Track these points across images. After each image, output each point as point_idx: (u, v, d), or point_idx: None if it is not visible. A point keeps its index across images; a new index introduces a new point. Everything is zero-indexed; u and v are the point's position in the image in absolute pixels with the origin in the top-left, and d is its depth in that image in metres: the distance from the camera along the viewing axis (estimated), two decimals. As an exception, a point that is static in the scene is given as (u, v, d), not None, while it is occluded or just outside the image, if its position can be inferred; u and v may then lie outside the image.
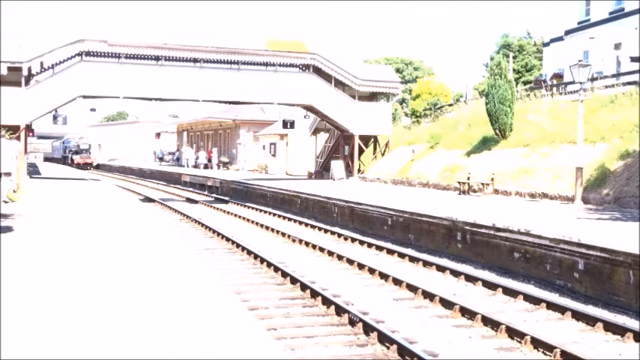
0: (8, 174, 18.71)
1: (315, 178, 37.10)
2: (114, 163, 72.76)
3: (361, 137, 34.08)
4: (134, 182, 47.70)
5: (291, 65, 32.33)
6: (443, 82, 52.11)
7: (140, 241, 12.03)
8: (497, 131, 25.77)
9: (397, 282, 12.18)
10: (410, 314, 10.27)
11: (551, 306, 10.56)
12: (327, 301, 10.40)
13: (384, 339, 8.50)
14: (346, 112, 33.24)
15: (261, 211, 26.50)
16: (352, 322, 9.33)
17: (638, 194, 17.43)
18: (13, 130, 26.01)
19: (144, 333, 6.05)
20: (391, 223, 18.72)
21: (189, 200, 32.14)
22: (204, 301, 7.44)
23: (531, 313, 10.45)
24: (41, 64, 28.12)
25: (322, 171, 38.09)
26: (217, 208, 27.45)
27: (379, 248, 16.63)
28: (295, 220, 22.81)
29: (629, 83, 24.60)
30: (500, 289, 11.77)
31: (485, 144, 26.57)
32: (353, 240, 18.05)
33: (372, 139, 35.45)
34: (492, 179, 22.98)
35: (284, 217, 24.01)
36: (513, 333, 8.94)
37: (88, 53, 29.20)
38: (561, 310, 10.29)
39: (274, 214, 24.91)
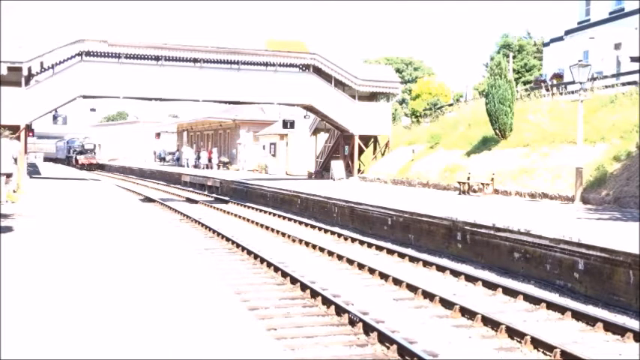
0: (9, 174, 18.70)
1: (315, 178, 37.11)
2: (114, 163, 72.58)
3: (361, 137, 34.08)
4: (134, 182, 47.70)
5: (291, 65, 32.33)
6: (443, 82, 52.08)
7: (140, 241, 12.03)
8: (497, 131, 25.77)
9: (397, 282, 12.18)
10: (410, 314, 10.27)
11: (551, 306, 10.56)
12: (327, 301, 10.40)
13: (384, 339, 8.50)
14: (346, 112, 33.23)
15: (261, 211, 26.50)
16: (352, 322, 9.33)
17: (638, 194, 17.43)
18: (13, 130, 26.00)
19: (144, 333, 6.05)
20: (391, 223, 18.72)
21: (189, 200, 32.14)
22: (205, 301, 7.44)
23: (531, 313, 10.45)
24: (41, 64, 28.12)
25: (322, 171, 38.09)
26: (217, 208, 27.45)
27: (379, 248, 16.63)
28: (295, 220, 22.81)
29: (629, 83, 24.59)
30: (500, 289, 11.77)
31: (485, 144, 26.57)
32: (353, 240, 18.05)
33: (372, 139, 35.45)
34: (492, 179, 22.98)
35: (284, 217, 24.01)
36: (513, 333, 8.93)
37: (88, 53, 29.20)
38: (561, 310, 10.28)
39: (274, 214, 24.91)
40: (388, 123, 34.58)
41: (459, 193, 23.72)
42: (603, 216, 15.76)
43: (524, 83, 44.66)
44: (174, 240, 12.77)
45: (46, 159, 75.04)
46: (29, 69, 27.84)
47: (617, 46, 31.92)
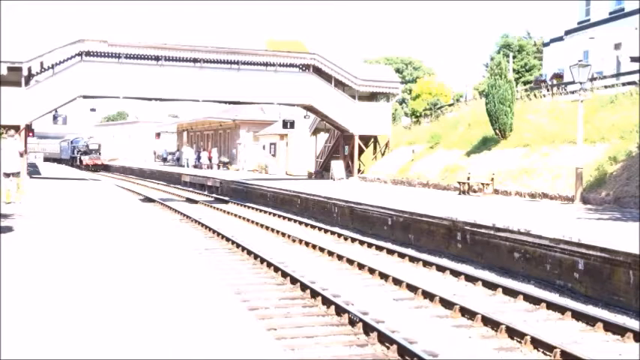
0: (10, 174, 18.69)
1: (315, 178, 37.11)
2: (114, 163, 72.40)
3: (361, 137, 34.08)
4: (134, 182, 47.71)
5: (291, 65, 32.33)
6: (443, 82, 52.08)
7: (140, 241, 12.03)
8: (497, 131, 25.77)
9: (397, 282, 12.18)
10: (410, 314, 10.27)
11: (551, 306, 10.56)
12: (327, 301, 10.40)
13: (384, 339, 8.50)
14: (346, 112, 33.23)
15: (261, 211, 26.50)
16: (352, 322, 9.33)
17: (638, 194, 17.43)
18: (14, 130, 25.98)
19: (144, 333, 6.05)
20: (391, 223, 18.72)
21: (189, 200, 32.14)
22: (205, 301, 7.44)
23: (531, 313, 10.45)
24: (41, 64, 28.12)
25: (322, 171, 38.09)
26: (217, 208, 27.45)
27: (379, 248, 16.63)
28: (295, 220, 22.81)
29: (629, 83, 24.58)
30: (500, 289, 11.77)
31: (486, 144, 26.57)
32: (353, 240, 18.05)
33: (372, 139, 35.45)
34: (492, 179, 22.98)
35: (284, 217, 24.01)
36: (513, 333, 8.94)
37: (88, 53, 29.20)
38: (561, 310, 10.29)
39: (274, 214, 24.91)
40: (388, 123, 34.58)
41: (459, 193, 23.72)
42: (603, 216, 15.76)
43: (524, 83, 44.67)
44: (174, 240, 12.77)
45: (50, 159, 72.81)
46: (29, 69, 27.84)
47: (617, 46, 31.92)
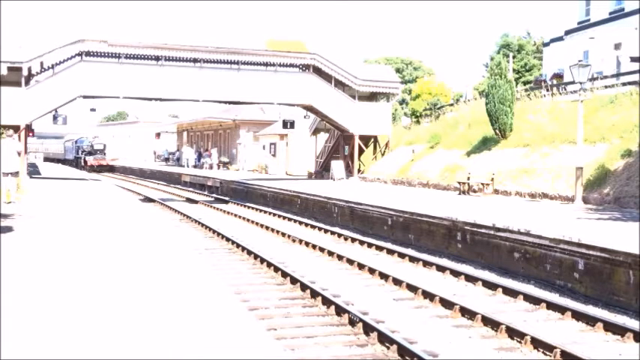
0: (12, 174, 18.70)
1: (315, 178, 37.10)
2: (114, 163, 72.13)
3: (361, 137, 34.08)
4: (134, 182, 47.70)
5: (291, 65, 32.33)
6: (443, 82, 52.09)
7: (140, 241, 12.03)
8: (497, 131, 25.77)
9: (397, 282, 12.18)
10: (410, 314, 10.27)
11: (551, 306, 10.56)
12: (327, 301, 10.39)
13: (384, 339, 8.50)
14: (346, 112, 33.23)
15: (261, 211, 26.50)
16: (352, 322, 9.33)
17: (638, 194, 17.43)
18: (13, 130, 25.98)
19: (144, 333, 6.05)
20: (391, 223, 18.72)
21: (189, 200, 32.13)
22: (205, 301, 7.44)
23: (531, 313, 10.45)
24: (41, 64, 28.12)
25: (322, 171, 38.08)
26: (217, 208, 27.45)
27: (379, 248, 16.63)
28: (295, 220, 22.81)
29: (629, 83, 24.58)
30: (500, 289, 11.77)
31: (485, 144, 26.57)
32: (353, 240, 18.05)
33: (372, 139, 35.45)
34: (492, 179, 22.97)
35: (284, 217, 24.00)
36: (513, 333, 8.93)
37: (88, 53, 29.20)
38: (561, 310, 10.28)
39: (274, 214, 24.91)
40: (388, 123, 34.58)
41: (459, 193, 23.72)
42: (603, 216, 15.76)
43: (524, 83, 44.66)
44: (174, 240, 12.77)
45: (54, 160, 70.91)
46: (29, 69, 27.84)
47: (617, 46, 31.92)
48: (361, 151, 34.92)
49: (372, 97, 34.88)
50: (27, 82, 28.55)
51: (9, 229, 12.81)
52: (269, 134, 48.36)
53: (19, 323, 6.25)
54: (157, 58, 30.16)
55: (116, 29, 31.81)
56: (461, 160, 26.90)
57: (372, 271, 13.29)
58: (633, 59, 27.86)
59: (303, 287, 11.43)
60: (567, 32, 36.97)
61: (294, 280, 11.99)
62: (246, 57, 31.18)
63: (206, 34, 33.85)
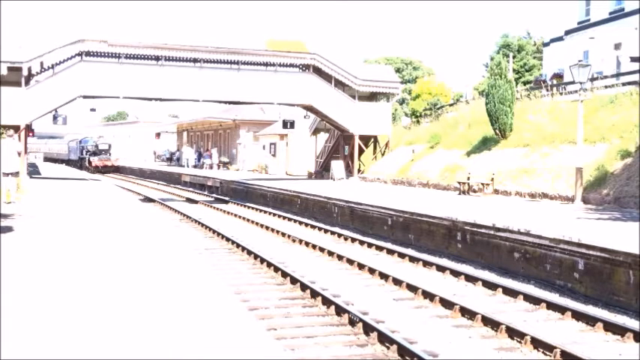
0: (13, 174, 18.70)
1: (315, 178, 37.10)
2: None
3: (361, 137, 34.08)
4: (134, 182, 47.70)
5: (291, 65, 32.33)
6: (443, 82, 52.08)
7: (140, 241, 12.03)
8: (497, 131, 25.77)
9: (397, 282, 12.18)
10: (410, 314, 10.27)
11: (551, 306, 10.56)
12: (327, 301, 10.39)
13: (384, 339, 8.50)
14: (346, 112, 33.23)
15: (261, 211, 26.50)
16: (352, 322, 9.33)
17: (638, 194, 17.43)
18: (14, 130, 25.98)
19: (144, 333, 6.05)
20: (391, 223, 18.71)
21: (189, 200, 32.13)
22: (205, 301, 7.44)
23: (531, 313, 10.45)
24: (41, 64, 28.12)
25: (322, 171, 38.08)
26: (217, 208, 27.45)
27: (379, 248, 16.63)
28: (295, 220, 22.80)
29: (629, 83, 24.59)
30: (500, 289, 11.77)
31: (485, 144, 26.57)
32: (353, 240, 18.05)
33: (372, 139, 35.45)
34: (492, 179, 22.97)
35: (284, 217, 24.00)
36: (513, 333, 8.93)
37: (88, 53, 29.20)
38: (561, 310, 10.28)
39: (274, 214, 24.90)
40: (388, 123, 34.58)
41: (459, 193, 23.72)
42: (603, 216, 15.76)
43: (524, 83, 44.64)
44: (174, 240, 12.77)
45: (58, 161, 69.41)
46: (29, 69, 27.84)
47: (617, 46, 31.92)
48: (361, 151, 34.92)
49: (372, 97, 34.88)
50: (27, 82, 28.54)
51: (9, 229, 12.81)
52: (269, 134, 48.36)
53: (19, 323, 6.25)
54: (157, 58, 30.15)
55: (116, 29, 31.83)
56: (461, 160, 26.90)
57: (372, 271, 13.29)
58: (633, 59, 27.86)
59: (303, 287, 11.43)
60: (567, 32, 36.97)
61: (294, 280, 11.99)
62: (246, 57, 31.17)
63: (206, 34, 33.85)
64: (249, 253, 15.23)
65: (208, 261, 14.01)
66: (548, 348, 8.27)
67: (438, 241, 16.40)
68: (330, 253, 15.49)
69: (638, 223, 13.70)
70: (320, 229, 20.43)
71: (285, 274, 12.55)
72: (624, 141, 19.97)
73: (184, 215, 23.92)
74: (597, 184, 19.25)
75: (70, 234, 12.53)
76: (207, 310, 7.01)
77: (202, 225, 20.82)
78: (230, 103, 36.16)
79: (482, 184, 23.08)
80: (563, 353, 8.02)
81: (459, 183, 24.05)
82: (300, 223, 22.19)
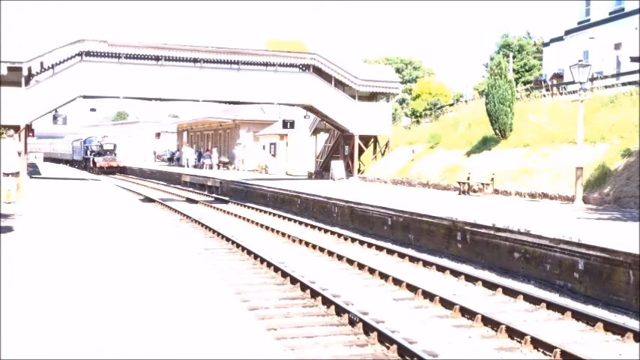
0: (13, 174, 18.70)
1: (315, 178, 37.10)
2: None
3: (361, 137, 34.08)
4: (134, 182, 47.70)
5: (291, 65, 32.33)
6: (443, 82, 52.09)
7: (140, 241, 12.03)
8: (497, 131, 25.77)
9: (397, 282, 12.18)
10: (410, 314, 10.27)
11: (551, 306, 10.56)
12: (327, 301, 10.39)
13: (384, 339, 8.50)
14: (346, 112, 33.23)
15: (261, 211, 26.50)
16: (352, 322, 9.33)
17: (638, 194, 17.43)
18: (14, 130, 25.99)
19: (144, 333, 6.05)
20: (391, 223, 18.71)
21: (189, 200, 32.13)
22: (205, 301, 7.44)
23: (531, 313, 10.45)
24: (41, 64, 28.12)
25: (322, 171, 38.08)
26: (217, 208, 27.45)
27: (379, 248, 16.63)
28: (295, 220, 22.80)
29: (629, 83, 24.59)
30: (500, 289, 11.77)
31: (486, 144, 26.57)
32: (353, 240, 18.05)
33: (372, 139, 35.45)
34: (492, 179, 22.97)
35: (284, 217, 24.00)
36: (513, 333, 8.93)
37: (88, 53, 29.20)
38: (561, 310, 10.28)
39: (274, 214, 24.90)
40: (388, 123, 34.58)
41: (459, 193, 23.72)
42: (603, 216, 15.76)
43: (524, 83, 44.63)
44: (174, 240, 12.77)
45: (62, 161, 68.57)
46: (29, 69, 27.84)
47: (617, 46, 31.92)
48: (361, 151, 34.92)
49: (372, 97, 34.89)
50: (27, 82, 28.55)
51: (9, 229, 12.81)
52: (269, 134, 48.36)
53: (19, 323, 6.25)
54: (157, 58, 30.16)
55: (116, 29, 31.92)
56: (461, 160, 26.90)
57: (372, 271, 13.29)
58: (633, 59, 27.86)
59: (303, 287, 11.43)
60: (567, 32, 36.98)
61: (294, 280, 11.99)
62: (246, 57, 31.18)
63: (206, 34, 33.95)
64: (249, 253, 15.23)
65: (208, 261, 14.01)
66: (548, 348, 8.27)
67: (437, 241, 16.40)
68: (330, 253, 15.49)
69: (638, 223, 13.70)
70: (320, 229, 20.43)
71: (285, 274, 12.55)
72: (624, 141, 19.97)
73: (184, 215, 23.92)
74: (597, 184, 19.25)
75: (71, 234, 12.54)
76: (207, 310, 7.01)
77: (202, 225, 20.82)
78: (230, 103, 36.17)
79: (482, 184, 23.08)
80: (563, 353, 8.02)
81: (459, 183, 24.05)
82: (300, 223, 22.19)
